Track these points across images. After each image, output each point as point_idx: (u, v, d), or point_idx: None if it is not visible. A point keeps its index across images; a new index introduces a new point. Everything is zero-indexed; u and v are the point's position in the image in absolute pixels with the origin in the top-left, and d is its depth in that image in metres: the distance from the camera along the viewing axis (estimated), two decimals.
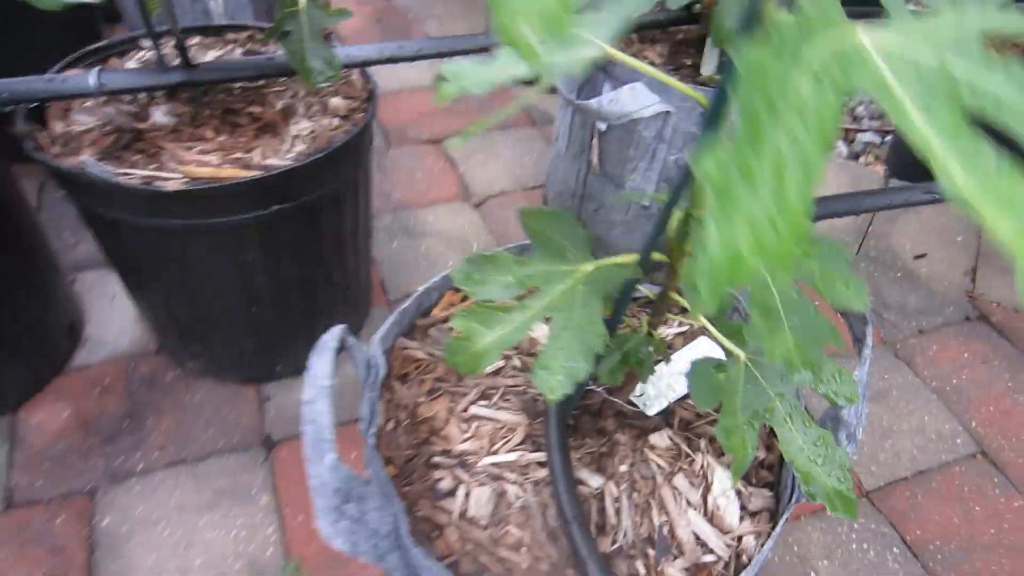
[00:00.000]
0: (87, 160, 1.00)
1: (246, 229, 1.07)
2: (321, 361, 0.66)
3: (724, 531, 0.72)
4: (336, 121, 1.14)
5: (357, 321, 1.46)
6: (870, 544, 1.21)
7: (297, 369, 1.36)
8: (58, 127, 1.10)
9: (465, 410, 0.79)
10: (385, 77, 2.22)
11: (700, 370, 0.62)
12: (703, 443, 0.79)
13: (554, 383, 0.56)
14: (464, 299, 0.92)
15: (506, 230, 1.78)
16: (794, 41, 0.32)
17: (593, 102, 1.31)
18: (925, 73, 0.35)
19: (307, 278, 1.23)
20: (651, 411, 0.79)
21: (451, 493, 0.73)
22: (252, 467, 1.23)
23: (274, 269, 1.16)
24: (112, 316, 1.47)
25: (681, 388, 0.82)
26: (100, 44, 1.23)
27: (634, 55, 1.40)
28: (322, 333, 1.44)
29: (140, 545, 1.12)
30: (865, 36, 0.36)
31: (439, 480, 0.74)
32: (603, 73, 1.36)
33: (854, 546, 1.21)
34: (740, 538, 0.72)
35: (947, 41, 0.37)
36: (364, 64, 1.16)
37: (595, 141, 1.45)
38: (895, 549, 1.21)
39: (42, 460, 1.22)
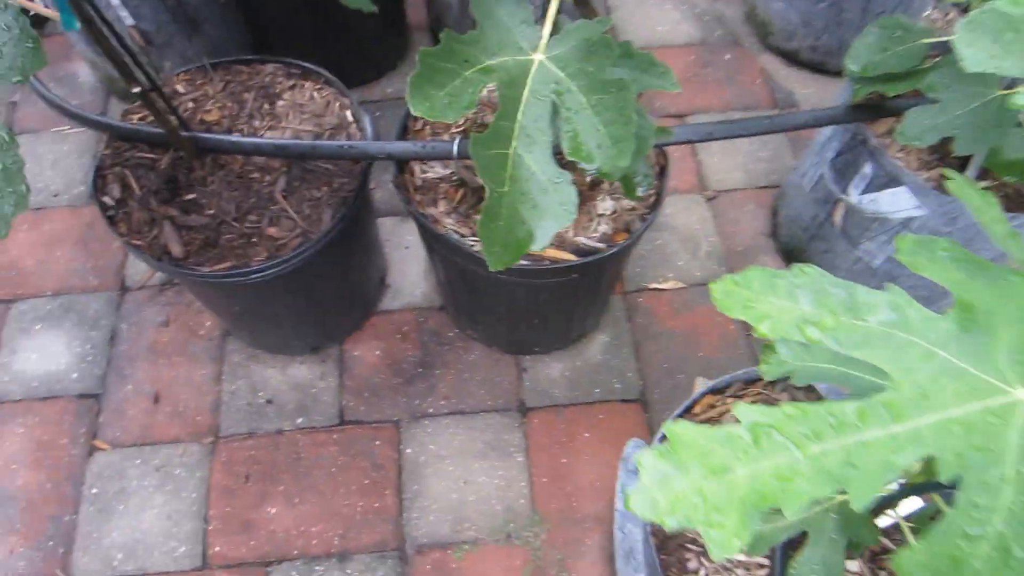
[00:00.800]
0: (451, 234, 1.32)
1: (549, 283, 1.38)
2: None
3: None
4: (632, 203, 1.38)
5: (598, 314, 1.76)
6: None
7: (548, 349, 1.71)
8: (416, 170, 1.41)
9: None
10: (636, 24, 2.35)
11: None
12: (883, 574, 1.07)
13: None
14: (714, 405, 1.20)
15: (735, 230, 1.97)
16: None
17: (853, 198, 1.46)
18: None
19: (578, 303, 1.53)
20: None
21: (695, 572, 1.07)
22: (511, 428, 1.62)
23: (560, 302, 1.48)
24: (406, 267, 1.85)
25: None
26: None
27: (900, 149, 1.51)
28: (575, 330, 1.76)
29: (432, 475, 1.56)
30: None
31: (688, 560, 1.08)
32: (867, 150, 1.49)
33: None
34: None
35: None
36: (659, 145, 1.38)
37: (843, 206, 1.60)
38: None
39: (363, 389, 1.67)
